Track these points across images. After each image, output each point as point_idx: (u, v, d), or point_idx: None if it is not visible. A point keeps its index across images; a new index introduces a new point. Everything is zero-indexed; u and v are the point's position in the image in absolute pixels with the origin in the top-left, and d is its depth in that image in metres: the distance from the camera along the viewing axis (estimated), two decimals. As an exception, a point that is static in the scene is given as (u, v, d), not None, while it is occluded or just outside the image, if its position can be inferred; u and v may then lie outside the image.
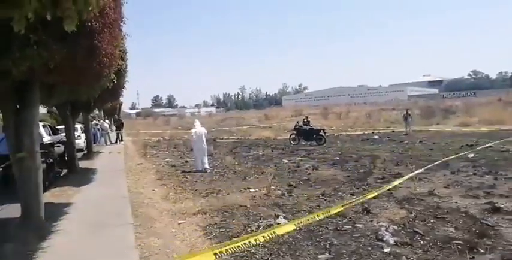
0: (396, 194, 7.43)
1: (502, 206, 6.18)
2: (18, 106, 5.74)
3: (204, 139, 11.76)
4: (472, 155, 11.64)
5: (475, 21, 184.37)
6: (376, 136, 20.76)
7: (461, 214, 5.96)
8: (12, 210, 7.06)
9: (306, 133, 18.89)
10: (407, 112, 23.04)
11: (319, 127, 20.10)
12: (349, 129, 26.40)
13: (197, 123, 12.32)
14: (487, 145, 13.14)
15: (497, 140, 14.45)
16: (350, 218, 5.95)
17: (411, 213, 6.07)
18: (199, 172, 11.17)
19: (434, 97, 69.97)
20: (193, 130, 11.90)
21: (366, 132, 23.85)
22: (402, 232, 5.23)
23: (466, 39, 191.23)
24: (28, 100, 5.66)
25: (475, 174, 9.12)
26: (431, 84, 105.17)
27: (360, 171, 10.30)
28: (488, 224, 5.36)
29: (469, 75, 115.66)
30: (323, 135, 18.48)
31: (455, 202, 6.68)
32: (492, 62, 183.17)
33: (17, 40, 4.03)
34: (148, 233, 5.57)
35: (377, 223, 5.66)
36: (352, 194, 7.59)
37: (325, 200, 7.26)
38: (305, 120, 21.44)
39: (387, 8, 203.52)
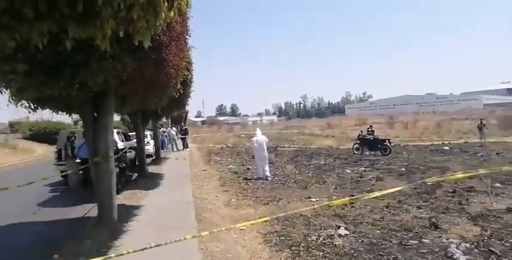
0: (469, 209, 6.92)
1: None
2: (95, 114, 6.28)
3: (265, 147, 11.87)
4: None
5: None
6: (446, 147, 19.50)
7: (546, 234, 5.40)
8: (90, 210, 7.70)
9: (370, 143, 18.30)
10: (481, 122, 21.43)
11: (384, 137, 19.38)
12: (416, 140, 25.11)
13: (258, 131, 12.51)
14: None
15: None
16: (416, 232, 5.65)
17: (486, 231, 5.61)
18: (260, 180, 11.29)
19: (514, 105, 64.23)
20: (254, 138, 12.06)
21: (435, 143, 22.52)
22: (475, 250, 4.85)
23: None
24: (104, 109, 6.16)
25: None
26: (511, 91, 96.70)
27: (428, 183, 9.73)
28: None
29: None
30: (388, 145, 17.78)
31: (539, 221, 6.06)
32: None
33: (96, 54, 4.44)
34: (211, 238, 5.73)
35: (446, 239, 5.31)
36: (419, 207, 7.21)
37: (389, 212, 6.96)
38: (369, 129, 20.78)
39: (457, 11, 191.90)
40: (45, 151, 27.71)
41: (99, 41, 2.68)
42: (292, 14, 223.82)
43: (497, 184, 8.84)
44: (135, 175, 13.50)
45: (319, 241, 5.41)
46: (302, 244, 5.30)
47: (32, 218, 7.83)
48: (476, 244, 5.06)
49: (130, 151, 13.88)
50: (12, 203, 9.52)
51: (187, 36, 6.78)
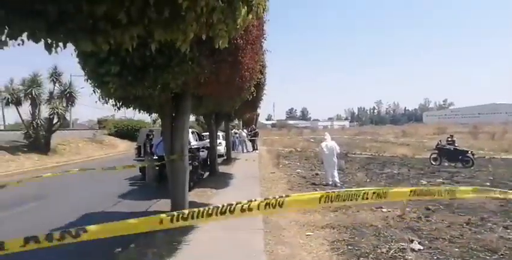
0: None
1: None
2: (173, 114, 6.63)
3: (335, 153, 11.60)
4: None
5: None
6: (540, 162, 17.51)
7: None
8: (164, 204, 8.13)
9: (450, 154, 17.03)
10: None
11: (466, 149, 17.93)
12: (505, 152, 22.86)
13: (328, 136, 12.28)
14: None
15: None
16: (502, 255, 5.12)
17: None
18: (328, 186, 11.07)
19: None
20: (323, 144, 11.82)
21: (528, 157, 20.31)
22: None
23: None
24: (182, 109, 6.49)
25: None
26: None
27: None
28: None
29: None
30: (471, 156, 16.40)
31: None
32: None
33: (177, 57, 4.70)
34: (277, 241, 5.74)
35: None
36: (505, 227, 6.54)
37: (470, 230, 6.40)
38: (449, 139, 19.32)
39: None
40: (127, 147, 29.97)
41: (180, 43, 2.83)
42: (362, 18, 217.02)
43: None
44: (207, 173, 13.99)
45: (390, 253, 5.16)
46: (371, 255, 5.09)
47: (114, 209, 8.50)
48: None
49: (203, 151, 14.42)
50: (98, 194, 10.43)
51: (262, 40, 6.89)
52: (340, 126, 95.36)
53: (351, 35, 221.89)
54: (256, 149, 26.60)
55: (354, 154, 23.66)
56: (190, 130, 11.16)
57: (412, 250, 5.29)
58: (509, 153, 22.61)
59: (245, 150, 26.35)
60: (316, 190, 10.36)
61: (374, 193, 3.74)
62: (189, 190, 7.97)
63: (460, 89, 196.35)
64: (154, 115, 7.66)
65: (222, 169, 15.26)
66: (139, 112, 7.17)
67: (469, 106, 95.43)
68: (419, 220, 7.09)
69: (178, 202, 6.71)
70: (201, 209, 3.03)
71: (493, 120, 66.26)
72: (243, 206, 3.11)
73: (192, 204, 7.76)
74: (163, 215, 2.89)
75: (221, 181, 12.22)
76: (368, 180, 12.28)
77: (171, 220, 2.88)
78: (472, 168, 15.61)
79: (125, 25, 2.38)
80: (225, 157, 19.65)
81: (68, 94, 21.86)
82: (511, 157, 20.49)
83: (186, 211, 2.93)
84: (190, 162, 8.80)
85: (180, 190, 6.72)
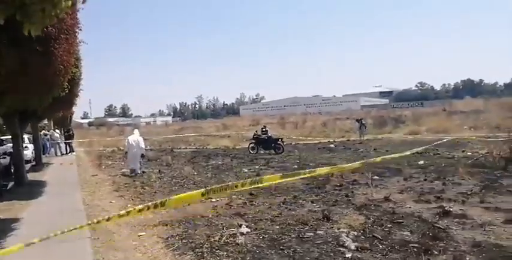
0: (354, 200, 7.67)
1: (451, 210, 6.55)
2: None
3: (142, 146, 13.20)
4: (422, 162, 12.29)
5: (422, 36, 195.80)
6: (332, 145, 21.30)
7: (415, 218, 6.25)
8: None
9: (265, 142, 19.04)
10: (361, 121, 23.89)
11: (277, 136, 20.35)
12: (305, 138, 26.93)
13: (136, 131, 14.13)
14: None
15: (444, 147, 15.30)
16: (311, 225, 6.05)
17: (369, 219, 6.28)
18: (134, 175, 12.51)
19: (385, 107, 73.13)
20: (130, 138, 13.44)
21: (322, 141, 24.42)
22: (362, 237, 5.39)
23: (412, 51, 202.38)
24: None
25: (425, 179, 9.61)
26: (383, 94, 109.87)
27: (319, 179, 10.49)
28: (440, 227, 5.67)
29: (416, 86, 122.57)
30: (281, 144, 18.72)
31: (409, 207, 7.00)
32: (436, 74, 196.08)
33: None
34: (108, 247, 5.37)
35: (337, 229, 5.79)
36: (312, 201, 7.74)
37: (286, 208, 7.34)
38: (263, 129, 21.61)
39: (342, 21, 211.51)
40: None
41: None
42: (186, 12, 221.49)
43: (376, 177, 9.95)
44: (11, 184, 11.94)
45: (222, 240, 5.45)
46: (205, 245, 5.28)
47: None
48: (362, 231, 5.63)
49: (4, 157, 12.26)
50: None
51: (77, 30, 6.21)
52: (163, 122, 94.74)
53: (171, 30, 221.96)
54: (73, 151, 24.10)
55: (179, 148, 23.97)
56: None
57: (241, 233, 5.72)
58: (309, 139, 26.72)
59: (59, 153, 23.56)
60: (145, 189, 10.09)
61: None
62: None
63: (269, 84, 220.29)
64: None
65: (32, 176, 13.27)
66: None
67: (276, 99, 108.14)
68: (245, 205, 7.74)
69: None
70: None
71: (295, 111, 76.86)
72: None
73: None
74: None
75: (32, 190, 10.61)
76: (195, 173, 12.64)
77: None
78: (282, 153, 17.83)
79: None
80: (34, 163, 17.14)
81: None
82: (310, 142, 24.30)
83: None
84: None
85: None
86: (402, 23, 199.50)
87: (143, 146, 13.36)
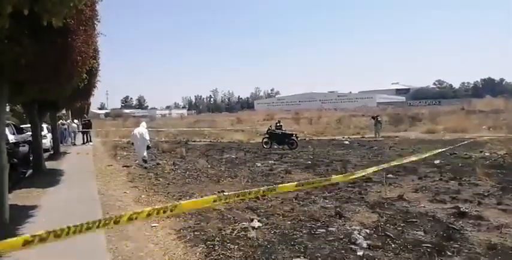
0: (367, 198, 7.60)
1: (467, 210, 6.44)
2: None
3: (146, 138, 13.41)
4: (438, 161, 12.08)
5: (441, 34, 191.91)
6: (346, 142, 21.14)
7: (429, 218, 6.16)
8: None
9: (279, 137, 19.00)
10: (376, 119, 23.62)
11: (291, 132, 20.28)
12: (320, 134, 26.77)
13: (143, 124, 14.37)
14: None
15: (461, 147, 14.98)
16: (323, 222, 6.02)
17: (382, 217, 6.22)
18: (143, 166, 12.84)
19: (401, 104, 72.14)
20: (136, 130, 13.71)
21: (337, 137, 24.25)
22: (374, 235, 5.34)
23: (430, 49, 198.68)
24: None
25: (441, 179, 9.45)
26: (399, 92, 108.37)
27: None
28: (455, 228, 5.58)
29: (434, 84, 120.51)
30: (295, 139, 18.65)
31: (424, 207, 6.89)
32: (456, 73, 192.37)
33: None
34: (120, 237, 5.45)
35: (350, 226, 5.76)
36: (325, 198, 7.71)
37: (298, 203, 7.32)
38: (278, 124, 21.57)
39: (357, 17, 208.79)
40: None
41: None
42: (203, 8, 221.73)
43: (390, 175, 9.83)
44: (30, 171, 12.23)
45: (234, 234, 5.48)
46: (217, 238, 5.31)
47: None
48: (374, 229, 5.58)
49: (23, 146, 12.52)
50: None
51: (96, 22, 6.27)
52: (178, 114, 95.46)
53: (189, 25, 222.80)
54: (90, 141, 24.50)
55: (194, 141, 24.12)
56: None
57: (253, 228, 5.74)
58: (323, 135, 26.56)
59: (76, 143, 24.00)
60: (159, 180, 10.20)
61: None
62: (8, 192, 6.82)
63: (285, 79, 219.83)
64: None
65: (49, 165, 13.56)
66: None
67: (291, 94, 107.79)
68: (257, 199, 7.73)
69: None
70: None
71: (310, 107, 76.45)
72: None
73: (13, 208, 6.67)
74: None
75: (49, 178, 10.85)
76: (209, 166, 12.71)
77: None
78: (296, 149, 17.77)
79: None
80: (52, 152, 17.49)
81: None
82: (324, 138, 24.15)
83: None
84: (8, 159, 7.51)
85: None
86: (422, 20, 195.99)
87: (148, 138, 13.58)
